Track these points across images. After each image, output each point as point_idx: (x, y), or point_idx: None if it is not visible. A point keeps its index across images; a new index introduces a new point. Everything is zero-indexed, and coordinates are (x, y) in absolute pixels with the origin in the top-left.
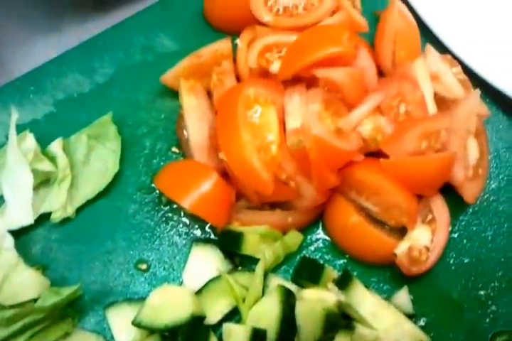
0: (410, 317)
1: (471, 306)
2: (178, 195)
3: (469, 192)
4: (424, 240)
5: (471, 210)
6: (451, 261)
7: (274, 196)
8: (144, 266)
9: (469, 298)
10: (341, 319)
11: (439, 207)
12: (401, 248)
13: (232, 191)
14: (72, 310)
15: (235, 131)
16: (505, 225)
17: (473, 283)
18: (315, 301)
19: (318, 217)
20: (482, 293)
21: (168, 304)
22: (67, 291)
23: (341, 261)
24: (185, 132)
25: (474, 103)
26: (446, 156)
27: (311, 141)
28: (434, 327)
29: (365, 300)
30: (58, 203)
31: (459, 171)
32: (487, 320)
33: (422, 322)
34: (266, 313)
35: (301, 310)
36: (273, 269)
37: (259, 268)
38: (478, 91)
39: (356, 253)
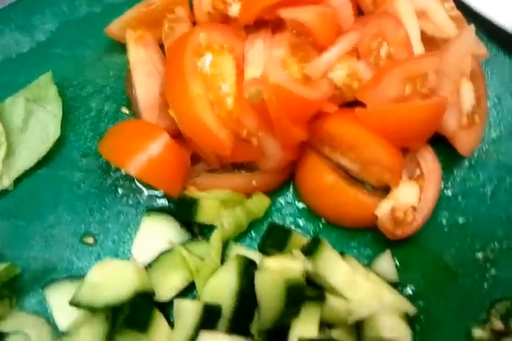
0: (394, 285)
1: (466, 271)
2: (121, 160)
3: (464, 143)
4: (411, 199)
5: (467, 164)
6: (444, 222)
7: (234, 156)
8: (90, 240)
9: (465, 261)
10: (308, 290)
11: (428, 161)
12: (383, 208)
13: (187, 153)
14: (8, 290)
15: (183, 83)
16: (507, 179)
17: (470, 244)
18: (276, 271)
19: (288, 178)
20: (480, 255)
21: (110, 280)
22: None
23: (316, 227)
24: (134, 90)
25: (468, 41)
26: (434, 102)
27: (269, 89)
28: (424, 296)
29: (336, 268)
30: None
31: (450, 119)
32: (485, 285)
33: (408, 291)
34: (222, 287)
35: (260, 281)
36: (237, 238)
37: (215, 237)
38: (472, 27)
39: (332, 216)
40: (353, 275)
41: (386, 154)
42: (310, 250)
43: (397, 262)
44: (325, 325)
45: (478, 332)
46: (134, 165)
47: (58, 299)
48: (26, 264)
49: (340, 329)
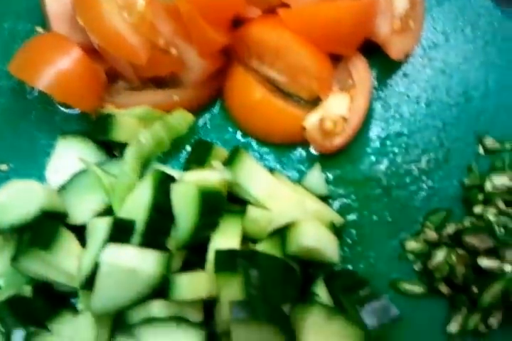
0: (324, 199)
1: (400, 183)
2: (30, 75)
3: (396, 47)
4: (340, 109)
5: (401, 73)
6: (377, 134)
7: (152, 69)
8: (4, 167)
9: (399, 173)
10: (230, 205)
11: (360, 70)
12: (311, 119)
13: (101, 68)
14: None
15: None
16: (444, 87)
17: (404, 156)
18: (193, 182)
19: (215, 95)
20: (414, 167)
21: (16, 200)
22: None
23: (246, 144)
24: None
25: None
26: (362, 2)
27: None
28: (356, 209)
29: (257, 178)
30: None
31: (382, 24)
32: (420, 197)
33: (340, 205)
34: (137, 203)
35: (176, 193)
36: (163, 159)
37: (130, 152)
38: None
39: (262, 132)
40: (275, 186)
41: (312, 59)
42: (230, 160)
43: (330, 176)
44: (249, 240)
45: (411, 245)
46: (43, 80)
47: None
48: None
49: (264, 242)
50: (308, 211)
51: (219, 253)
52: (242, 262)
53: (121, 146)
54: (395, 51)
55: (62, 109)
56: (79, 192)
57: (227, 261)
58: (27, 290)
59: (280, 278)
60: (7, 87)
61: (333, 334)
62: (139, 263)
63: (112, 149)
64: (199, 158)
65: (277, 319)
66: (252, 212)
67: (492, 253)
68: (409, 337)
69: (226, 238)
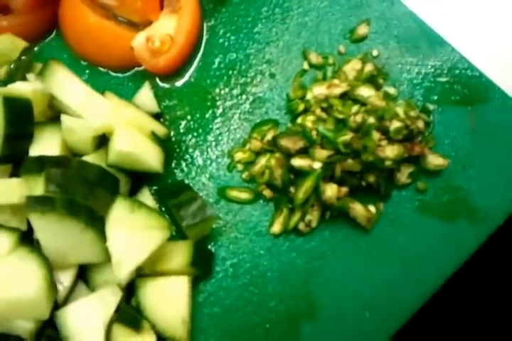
0: (157, 116)
1: (230, 102)
2: None
3: None
4: (167, 28)
5: None
6: (216, 60)
7: None
8: None
9: (228, 93)
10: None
11: None
12: (138, 39)
13: None
14: None
15: None
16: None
17: (236, 78)
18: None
19: (52, 23)
20: (242, 81)
21: None
22: None
23: (80, 67)
24: None
25: None
26: None
27: None
28: (187, 121)
29: (70, 89)
30: None
31: None
32: (247, 108)
33: (170, 119)
34: None
35: None
36: None
37: None
38: None
39: (97, 57)
40: (88, 95)
41: None
42: (42, 72)
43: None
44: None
45: (238, 155)
46: None
47: None
48: None
49: (91, 156)
50: (123, 119)
51: (29, 159)
52: (49, 164)
53: None
54: None
55: None
56: None
57: (35, 165)
58: None
59: (91, 181)
60: None
61: (137, 226)
62: None
63: None
64: (20, 74)
65: (80, 213)
66: (66, 121)
67: (303, 153)
68: (239, 239)
69: (44, 149)
